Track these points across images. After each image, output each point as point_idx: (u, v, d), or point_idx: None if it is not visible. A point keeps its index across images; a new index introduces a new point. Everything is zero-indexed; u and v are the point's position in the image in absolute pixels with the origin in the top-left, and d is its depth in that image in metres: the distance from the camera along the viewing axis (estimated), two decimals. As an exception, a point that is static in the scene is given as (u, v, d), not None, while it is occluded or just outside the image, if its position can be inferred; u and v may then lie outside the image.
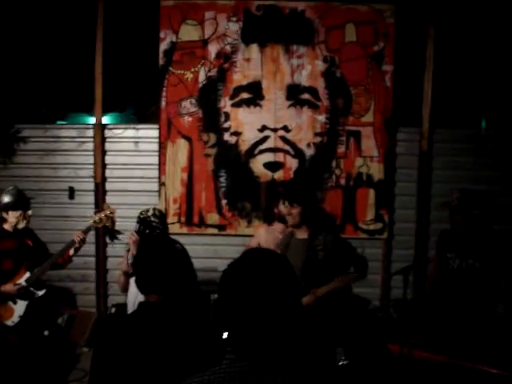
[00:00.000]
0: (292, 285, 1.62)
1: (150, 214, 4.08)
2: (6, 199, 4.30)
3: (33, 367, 4.16)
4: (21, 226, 4.36)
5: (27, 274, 4.24)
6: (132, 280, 3.85)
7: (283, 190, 4.81)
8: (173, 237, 5.42)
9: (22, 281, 4.22)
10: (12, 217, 4.31)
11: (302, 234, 4.26)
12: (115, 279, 4.22)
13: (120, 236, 4.30)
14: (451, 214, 4.30)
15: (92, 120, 6.95)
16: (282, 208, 4.68)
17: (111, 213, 4.48)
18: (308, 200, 4.32)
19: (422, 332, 4.34)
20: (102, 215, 4.40)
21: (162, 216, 4.20)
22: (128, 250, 4.09)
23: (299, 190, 4.42)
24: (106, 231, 5.70)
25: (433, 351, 3.98)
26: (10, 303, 4.21)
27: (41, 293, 4.31)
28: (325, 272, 4.06)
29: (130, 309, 3.89)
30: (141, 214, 4.13)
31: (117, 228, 5.47)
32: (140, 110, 7.43)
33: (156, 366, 2.26)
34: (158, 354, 2.28)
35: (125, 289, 4.12)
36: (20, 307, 4.25)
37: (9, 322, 4.20)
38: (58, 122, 7.36)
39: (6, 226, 4.32)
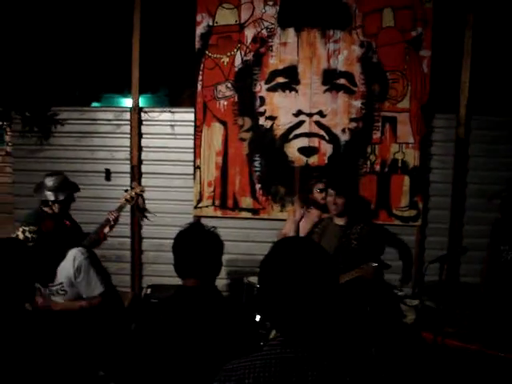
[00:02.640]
0: (331, 274, 1.64)
1: (21, 236, 3.44)
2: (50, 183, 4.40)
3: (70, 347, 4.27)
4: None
5: None
6: None
7: (320, 176, 4.80)
8: (207, 220, 5.55)
9: None
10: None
11: (339, 220, 4.32)
12: None
13: (151, 216, 4.33)
14: (502, 204, 4.33)
15: (126, 101, 7.01)
16: (317, 195, 4.72)
17: (141, 191, 4.56)
18: (350, 189, 4.38)
19: (474, 323, 4.36)
20: (133, 193, 4.49)
21: (36, 232, 3.55)
22: None
23: (343, 179, 4.46)
24: (137, 210, 5.77)
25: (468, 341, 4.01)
26: None
27: None
28: (355, 261, 4.09)
29: None
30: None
31: (150, 210, 5.54)
32: (174, 92, 7.45)
33: (195, 351, 2.31)
34: (196, 338, 2.33)
35: None
36: None
37: None
38: (92, 104, 7.44)
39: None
